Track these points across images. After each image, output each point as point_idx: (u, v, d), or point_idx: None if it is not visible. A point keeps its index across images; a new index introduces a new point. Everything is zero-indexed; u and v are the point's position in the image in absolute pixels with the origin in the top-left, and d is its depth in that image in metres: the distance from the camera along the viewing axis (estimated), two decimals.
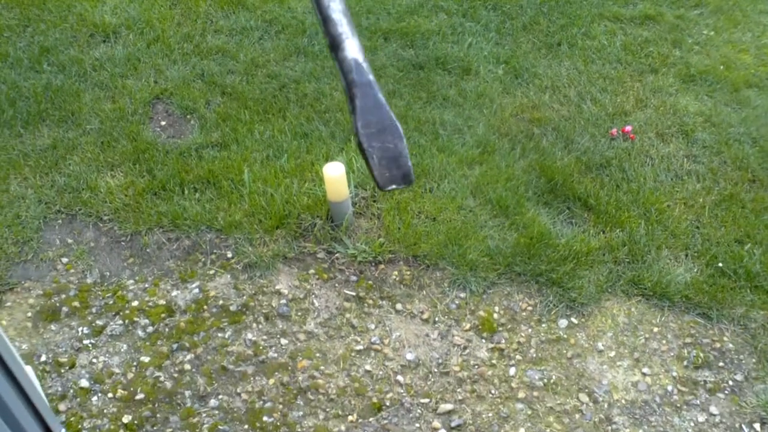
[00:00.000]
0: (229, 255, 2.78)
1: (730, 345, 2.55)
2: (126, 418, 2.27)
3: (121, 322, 2.55)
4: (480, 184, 3.06)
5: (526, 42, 3.96)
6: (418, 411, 2.34)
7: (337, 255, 2.79)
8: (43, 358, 2.43)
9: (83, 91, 3.47)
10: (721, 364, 2.49)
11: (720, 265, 2.75)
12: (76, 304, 2.61)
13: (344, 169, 2.68)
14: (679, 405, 2.37)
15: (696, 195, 3.06)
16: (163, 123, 3.37)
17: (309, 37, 3.89)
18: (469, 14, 4.14)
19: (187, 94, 3.48)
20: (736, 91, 3.62)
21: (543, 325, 2.60)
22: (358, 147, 0.91)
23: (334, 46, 0.91)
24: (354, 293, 2.68)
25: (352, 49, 0.91)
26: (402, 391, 2.39)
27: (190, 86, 3.54)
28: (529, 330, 2.58)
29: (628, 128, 3.34)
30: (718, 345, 2.55)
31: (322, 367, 2.44)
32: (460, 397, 2.38)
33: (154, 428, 2.26)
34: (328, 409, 2.33)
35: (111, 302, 2.62)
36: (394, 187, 0.91)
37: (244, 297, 2.64)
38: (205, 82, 3.57)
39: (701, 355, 2.51)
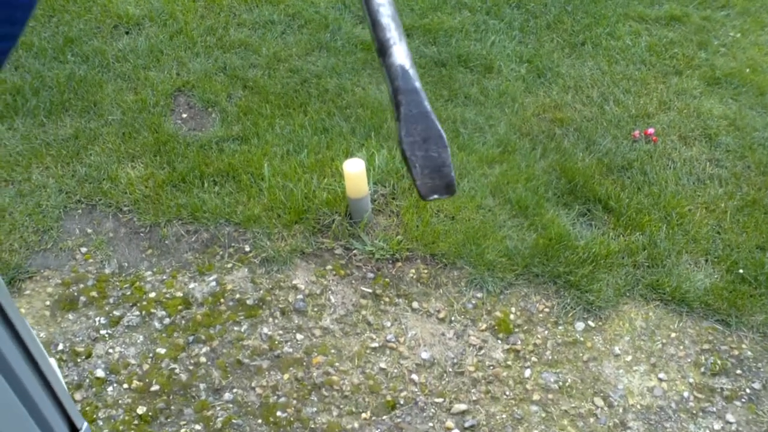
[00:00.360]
0: (247, 249, 2.79)
1: (749, 353, 2.52)
2: (141, 410, 2.28)
3: (138, 313, 2.57)
4: (500, 184, 3.05)
5: (550, 41, 3.93)
6: (432, 410, 2.33)
7: (354, 251, 2.79)
8: (60, 347, 2.45)
9: (106, 82, 3.49)
10: (738, 371, 2.47)
11: (741, 271, 2.72)
12: (93, 294, 2.63)
13: (364, 166, 2.68)
14: (695, 412, 2.35)
15: (718, 200, 3.02)
16: (184, 115, 3.38)
17: (332, 32, 3.88)
18: (492, 12, 4.11)
19: (209, 87, 3.49)
20: (761, 94, 3.57)
21: (559, 328, 2.58)
22: (401, 155, 0.88)
23: (382, 51, 0.88)
24: (370, 290, 2.68)
25: (400, 55, 0.88)
26: (416, 389, 2.39)
27: (212, 79, 3.55)
28: (546, 332, 2.57)
29: (651, 130, 3.31)
30: (736, 352, 2.52)
31: (336, 364, 2.44)
32: (474, 398, 2.37)
33: (169, 420, 2.27)
34: (342, 406, 2.33)
35: (128, 293, 2.63)
36: (436, 196, 0.88)
37: (261, 291, 2.65)
38: (227, 75, 3.58)
39: (719, 362, 2.48)
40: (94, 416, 2.25)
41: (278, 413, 2.30)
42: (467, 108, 3.45)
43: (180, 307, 2.58)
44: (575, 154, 3.21)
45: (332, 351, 2.48)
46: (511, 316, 2.61)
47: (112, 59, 3.63)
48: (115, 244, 2.81)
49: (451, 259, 2.77)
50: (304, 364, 2.44)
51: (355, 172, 2.66)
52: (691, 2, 4.21)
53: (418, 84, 0.89)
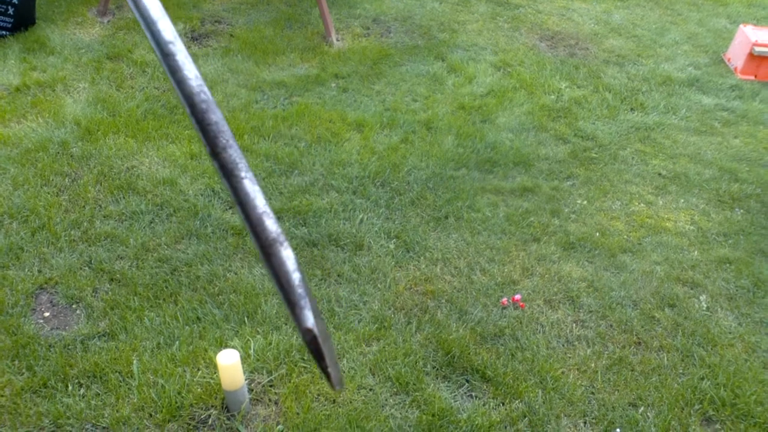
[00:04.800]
0: None
1: None
2: None
3: None
4: (378, 361, 3.04)
5: (415, 216, 4.10)
6: None
7: None
8: None
9: None
10: None
11: (618, 430, 2.79)
12: None
13: (238, 356, 2.61)
14: None
15: (587, 360, 3.14)
16: (46, 314, 3.22)
17: (201, 219, 3.89)
18: (359, 191, 4.28)
19: (74, 282, 3.37)
20: (612, 256, 3.84)
21: None
22: (309, 347, 0.80)
23: (266, 250, 0.81)
24: None
25: (288, 256, 0.80)
26: None
27: (77, 274, 3.43)
28: None
29: (518, 297, 3.45)
30: None
31: None
32: None
33: None
34: None
35: None
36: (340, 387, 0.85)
37: None
38: (93, 269, 3.48)
39: None
40: None
41: None
42: (341, 286, 3.49)
43: None
44: (449, 325, 3.28)
45: None
46: None
47: None
48: None
49: None
50: None
51: (229, 363, 2.58)
52: (540, 174, 4.56)
53: (308, 289, 0.85)
